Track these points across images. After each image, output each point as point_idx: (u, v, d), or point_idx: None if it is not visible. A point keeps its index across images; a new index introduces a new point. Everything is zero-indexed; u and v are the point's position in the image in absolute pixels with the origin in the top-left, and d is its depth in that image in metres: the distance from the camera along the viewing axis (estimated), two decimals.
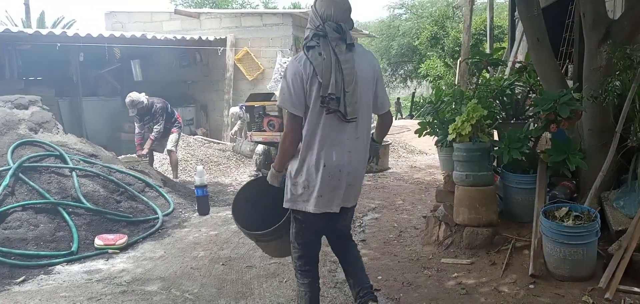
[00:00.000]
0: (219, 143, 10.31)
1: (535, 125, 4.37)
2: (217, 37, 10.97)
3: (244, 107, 9.62)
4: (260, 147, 8.59)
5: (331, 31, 2.56)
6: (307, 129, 2.59)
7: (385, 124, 2.96)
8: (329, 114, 2.55)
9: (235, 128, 10.11)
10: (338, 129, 2.59)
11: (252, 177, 8.14)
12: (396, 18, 29.40)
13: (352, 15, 2.70)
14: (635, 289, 3.21)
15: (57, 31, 8.96)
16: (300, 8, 20.82)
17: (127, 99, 7.36)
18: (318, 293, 2.86)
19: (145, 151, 7.52)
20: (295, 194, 2.66)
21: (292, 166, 2.66)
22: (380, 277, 3.87)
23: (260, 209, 3.13)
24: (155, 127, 7.45)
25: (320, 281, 2.96)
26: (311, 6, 2.70)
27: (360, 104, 2.61)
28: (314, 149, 2.59)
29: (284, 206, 2.73)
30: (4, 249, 4.28)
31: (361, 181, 2.83)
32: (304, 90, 2.54)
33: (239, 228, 3.11)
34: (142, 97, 7.39)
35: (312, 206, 2.63)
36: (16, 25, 15.96)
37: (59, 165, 5.50)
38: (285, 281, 3.81)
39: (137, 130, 7.60)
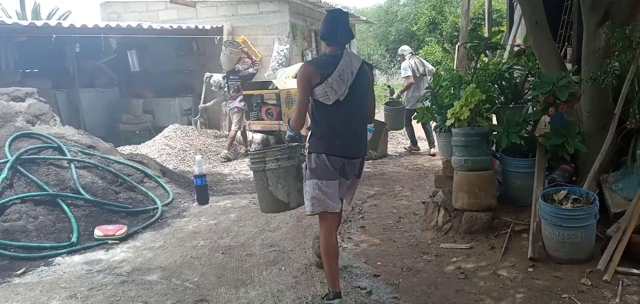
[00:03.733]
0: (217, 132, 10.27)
1: (534, 109, 4.36)
2: (214, 26, 10.87)
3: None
4: (258, 136, 8.55)
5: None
6: None
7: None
8: None
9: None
10: None
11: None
12: (394, 3, 29.26)
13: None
14: (634, 270, 3.23)
15: (53, 23, 8.87)
16: None
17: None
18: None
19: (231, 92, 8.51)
20: None
21: None
22: (379, 262, 3.88)
23: None
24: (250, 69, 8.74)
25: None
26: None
27: None
28: None
29: None
30: (4, 241, 4.28)
31: None
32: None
33: None
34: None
35: None
36: (11, 18, 15.83)
37: (57, 157, 5.49)
38: (285, 269, 3.82)
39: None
